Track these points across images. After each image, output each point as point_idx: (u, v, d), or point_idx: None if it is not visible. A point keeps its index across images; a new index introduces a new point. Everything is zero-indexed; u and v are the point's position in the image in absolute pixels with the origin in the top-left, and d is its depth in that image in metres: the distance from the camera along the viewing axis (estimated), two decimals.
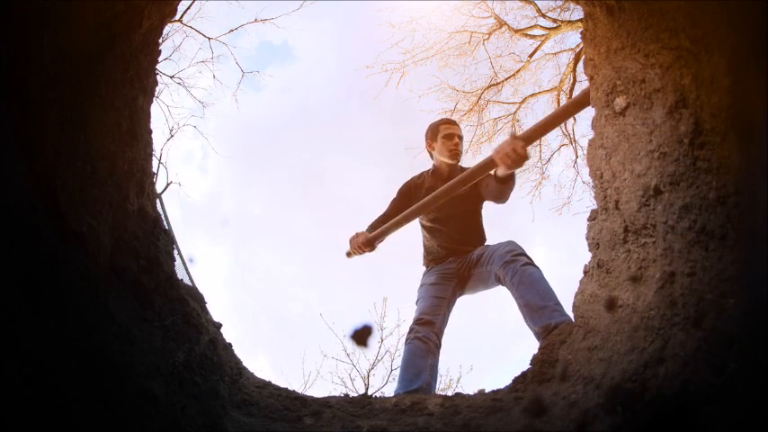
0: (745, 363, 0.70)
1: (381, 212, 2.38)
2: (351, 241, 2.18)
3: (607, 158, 1.20)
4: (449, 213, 2.30)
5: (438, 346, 2.04)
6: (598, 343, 1.13)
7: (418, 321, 2.08)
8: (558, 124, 1.63)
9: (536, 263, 1.94)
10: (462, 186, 1.94)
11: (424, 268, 2.41)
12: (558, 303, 1.73)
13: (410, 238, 2.56)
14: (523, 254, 1.97)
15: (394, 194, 2.44)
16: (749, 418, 0.67)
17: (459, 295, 2.26)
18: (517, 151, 1.61)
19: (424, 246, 2.44)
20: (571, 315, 1.59)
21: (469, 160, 7.83)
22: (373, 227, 2.28)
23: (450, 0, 7.26)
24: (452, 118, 2.56)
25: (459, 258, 2.23)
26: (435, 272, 2.26)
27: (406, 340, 2.05)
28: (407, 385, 1.87)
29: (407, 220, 2.07)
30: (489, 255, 2.10)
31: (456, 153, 2.30)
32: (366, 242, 2.13)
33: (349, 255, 2.23)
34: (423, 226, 2.42)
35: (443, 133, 2.32)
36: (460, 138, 2.35)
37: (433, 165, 2.40)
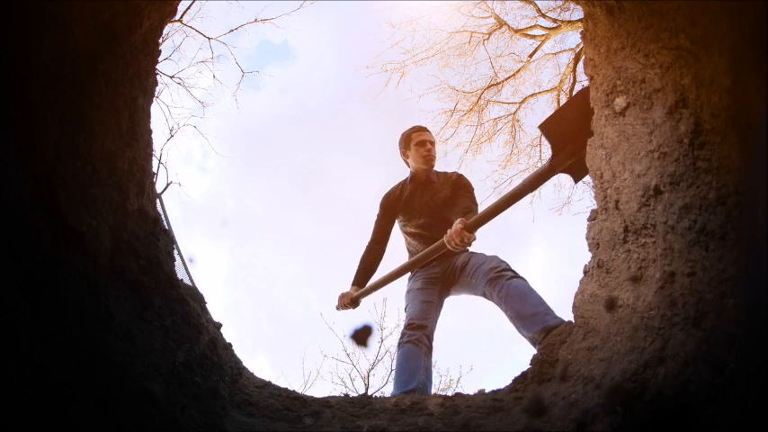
0: (745, 363, 0.70)
1: (371, 237, 2.46)
2: (339, 299, 2.34)
3: (607, 158, 1.20)
4: (432, 219, 2.34)
5: (430, 348, 2.07)
6: (598, 343, 1.13)
7: (409, 326, 2.11)
8: (505, 209, 1.81)
9: (521, 275, 1.95)
10: (423, 262, 2.17)
11: (408, 273, 2.44)
12: (548, 308, 1.73)
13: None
14: (508, 269, 1.99)
15: (377, 210, 2.50)
16: (749, 418, 0.67)
17: (446, 296, 2.30)
18: (464, 241, 1.88)
19: (409, 251, 2.49)
20: (564, 319, 1.60)
21: (470, 160, 7.83)
22: (363, 260, 2.41)
23: (450, 0, 7.27)
24: (423, 125, 2.61)
25: (444, 262, 2.26)
26: (421, 276, 2.29)
27: (399, 345, 2.09)
28: (403, 386, 1.89)
29: (391, 279, 2.24)
30: (474, 268, 2.10)
31: (429, 158, 2.40)
32: (351, 302, 2.30)
33: (338, 309, 2.38)
34: (406, 232, 2.45)
35: (416, 141, 2.42)
36: (432, 143, 2.45)
37: (410, 172, 2.50)
